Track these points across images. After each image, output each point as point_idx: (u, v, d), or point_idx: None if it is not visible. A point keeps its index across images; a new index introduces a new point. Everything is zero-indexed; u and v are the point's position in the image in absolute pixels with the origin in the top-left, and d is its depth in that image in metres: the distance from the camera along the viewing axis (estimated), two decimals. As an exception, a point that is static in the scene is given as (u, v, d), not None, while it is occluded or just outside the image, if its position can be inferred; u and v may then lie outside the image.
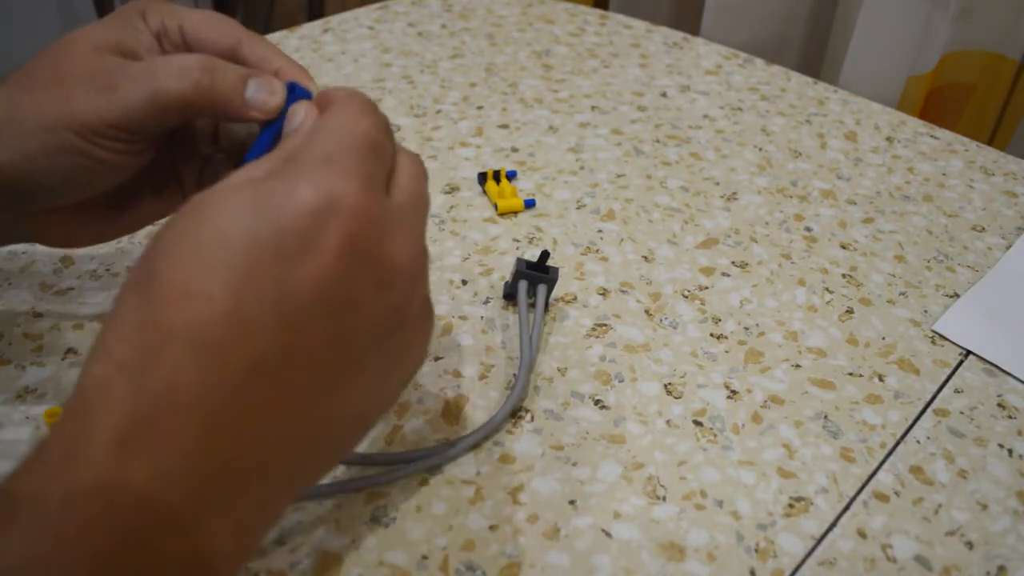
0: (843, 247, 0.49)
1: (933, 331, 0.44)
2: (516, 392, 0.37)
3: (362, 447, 0.35)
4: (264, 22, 1.70)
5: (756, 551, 0.32)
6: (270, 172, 0.24)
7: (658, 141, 0.59)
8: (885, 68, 0.77)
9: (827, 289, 0.46)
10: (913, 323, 0.44)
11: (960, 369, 0.41)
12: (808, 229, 0.51)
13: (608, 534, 0.33)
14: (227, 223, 0.22)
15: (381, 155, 0.26)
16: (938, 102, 0.82)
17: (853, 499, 0.35)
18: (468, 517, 0.33)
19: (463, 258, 0.46)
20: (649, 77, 0.67)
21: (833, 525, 0.34)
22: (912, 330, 0.44)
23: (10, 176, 0.29)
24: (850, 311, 0.45)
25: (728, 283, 0.46)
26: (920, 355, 0.42)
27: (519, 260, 0.41)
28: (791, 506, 0.34)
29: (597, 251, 0.48)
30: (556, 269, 0.42)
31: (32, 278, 0.43)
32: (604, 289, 0.45)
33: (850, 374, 0.41)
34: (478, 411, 0.37)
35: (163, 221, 0.36)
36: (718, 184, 0.54)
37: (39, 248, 0.45)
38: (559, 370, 0.40)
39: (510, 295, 0.43)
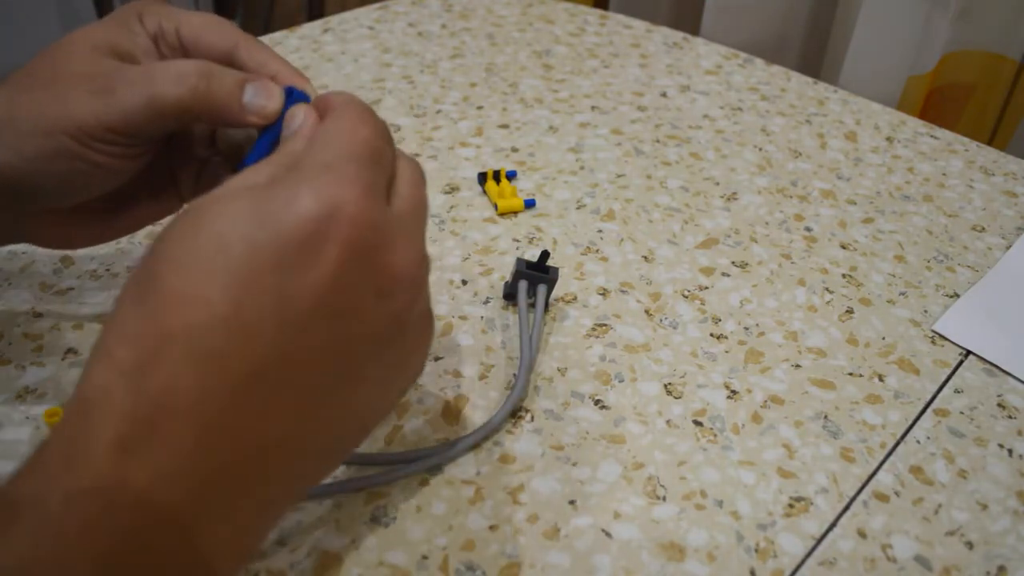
0: (843, 247, 0.49)
1: (933, 331, 0.44)
2: (516, 392, 0.37)
3: (362, 447, 0.35)
4: (264, 22, 1.70)
5: (756, 551, 0.32)
6: (271, 178, 0.24)
7: (658, 141, 0.59)
8: (885, 68, 0.77)
9: (827, 289, 0.46)
10: (913, 323, 0.44)
11: (960, 369, 0.41)
12: (808, 229, 0.51)
13: (608, 534, 0.33)
14: (227, 229, 0.22)
15: (381, 162, 0.26)
16: (938, 102, 0.82)
17: (853, 499, 0.35)
18: (468, 517, 0.33)
19: (463, 258, 0.46)
20: (649, 77, 0.67)
21: (833, 525, 0.34)
22: (912, 330, 0.44)
23: (8, 177, 0.29)
24: (850, 311, 0.45)
25: (728, 283, 0.46)
26: (920, 355, 0.42)
27: (519, 260, 0.41)
28: (791, 506, 0.34)
29: (597, 251, 0.48)
30: (556, 269, 0.42)
31: (32, 278, 0.43)
32: (604, 289, 0.45)
33: (850, 374, 0.41)
34: (478, 411, 0.37)
35: (163, 222, 0.36)
36: (718, 184, 0.54)
37: (39, 248, 0.45)
38: (559, 370, 0.40)
39: (510, 295, 0.43)
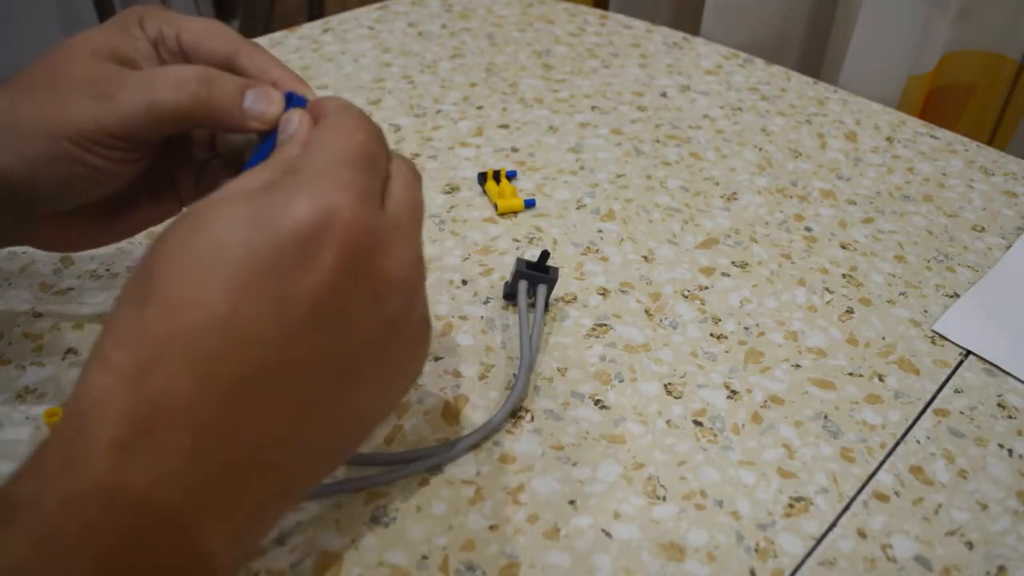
0: (843, 247, 0.49)
1: (933, 331, 0.44)
2: (516, 392, 0.37)
3: (362, 447, 0.35)
4: (264, 22, 1.70)
5: (756, 551, 0.32)
6: (267, 184, 0.24)
7: (658, 141, 0.59)
8: (885, 68, 0.77)
9: (827, 289, 0.46)
10: (913, 323, 0.44)
11: (960, 369, 0.41)
12: (808, 229, 0.51)
13: (608, 534, 0.33)
14: (225, 234, 0.23)
15: (375, 166, 0.26)
16: (938, 102, 0.82)
17: (853, 499, 0.35)
18: (468, 517, 0.33)
19: (463, 258, 0.46)
20: (649, 77, 0.67)
21: (833, 525, 0.34)
22: (912, 330, 0.44)
23: (8, 180, 0.30)
24: (850, 311, 0.45)
25: (728, 283, 0.46)
26: (920, 355, 0.42)
27: (519, 260, 0.41)
28: (791, 506, 0.34)
29: (597, 251, 0.48)
30: (556, 269, 0.42)
31: (32, 278, 0.43)
32: (604, 289, 0.45)
33: (850, 374, 0.41)
34: (478, 411, 0.37)
35: (163, 225, 0.36)
36: (718, 184, 0.54)
37: (39, 248, 0.45)
38: (559, 370, 0.40)
39: (510, 295, 0.43)
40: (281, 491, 0.25)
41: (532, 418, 0.37)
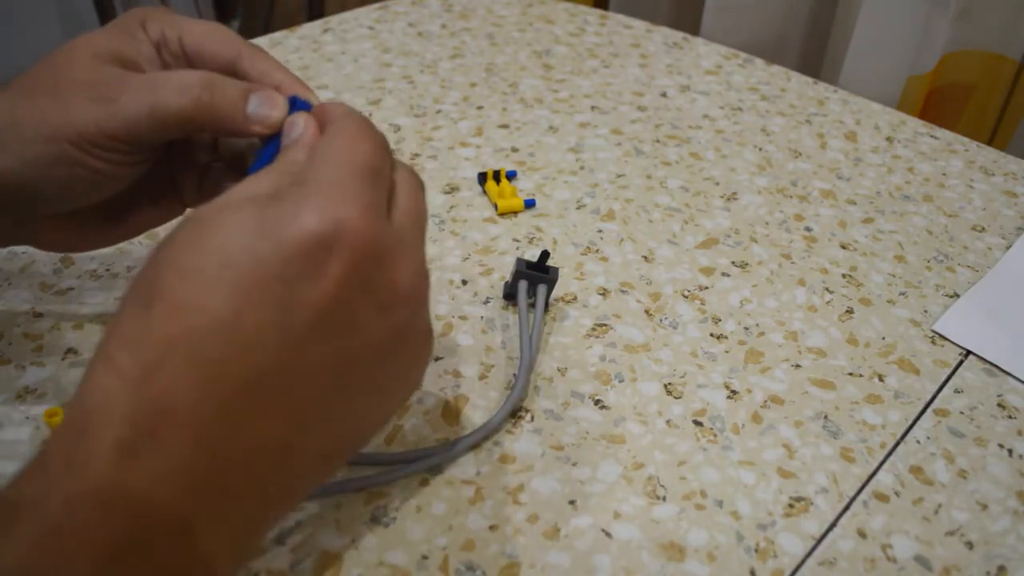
0: (843, 247, 0.49)
1: (933, 331, 0.44)
2: (516, 392, 0.37)
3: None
4: (264, 22, 1.70)
5: (756, 551, 0.32)
6: (274, 192, 0.24)
7: (658, 141, 0.59)
8: (885, 68, 0.77)
9: (827, 289, 0.46)
10: (913, 323, 0.44)
11: (960, 369, 0.41)
12: (808, 229, 0.51)
13: (608, 534, 0.33)
14: (231, 240, 0.23)
15: (381, 175, 0.26)
16: (938, 102, 0.82)
17: (853, 499, 0.35)
18: (468, 517, 0.33)
19: (463, 258, 0.46)
20: (649, 77, 0.67)
21: (833, 525, 0.34)
22: (912, 330, 0.44)
23: (10, 182, 0.30)
24: (850, 311, 0.45)
25: (728, 283, 0.46)
26: (920, 355, 0.42)
27: (519, 260, 0.41)
28: (791, 506, 0.34)
29: (597, 251, 0.48)
30: (556, 269, 0.42)
31: (32, 278, 0.43)
32: (604, 289, 0.45)
33: (850, 374, 0.41)
34: (478, 411, 0.37)
35: (167, 226, 0.36)
36: (718, 184, 0.54)
37: (39, 248, 0.45)
38: (559, 370, 0.40)
39: (510, 295, 0.43)
40: (281, 493, 0.25)
41: (532, 418, 0.37)
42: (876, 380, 0.40)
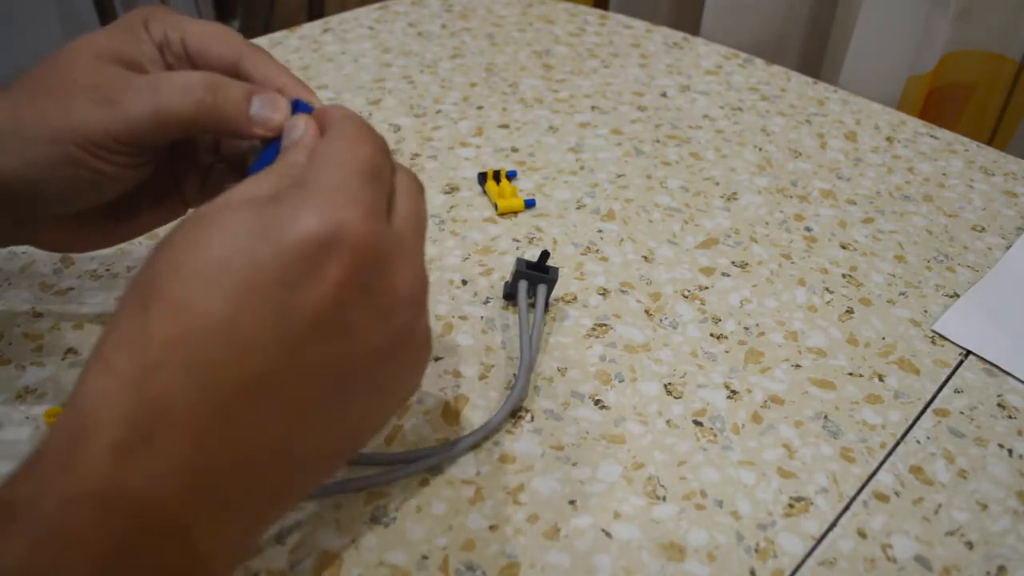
0: (843, 247, 0.49)
1: (933, 331, 0.44)
2: (516, 392, 0.37)
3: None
4: (264, 22, 1.70)
5: (756, 551, 0.32)
6: (274, 192, 0.24)
7: (658, 141, 0.59)
8: (885, 68, 0.77)
9: (827, 289, 0.46)
10: (913, 323, 0.44)
11: (960, 369, 0.41)
12: (808, 229, 0.51)
13: (608, 534, 0.33)
14: (230, 242, 0.23)
15: (381, 178, 0.26)
16: (938, 102, 0.82)
17: (853, 499, 0.35)
18: (468, 517, 0.33)
19: (463, 258, 0.46)
20: (649, 77, 0.67)
21: (833, 525, 0.34)
22: (912, 330, 0.44)
23: (11, 183, 0.30)
24: (850, 311, 0.45)
25: (728, 283, 0.46)
26: (920, 355, 0.42)
27: (519, 260, 0.41)
28: (791, 506, 0.34)
29: (597, 251, 0.48)
30: (556, 269, 0.42)
31: (32, 278, 0.43)
32: (604, 289, 0.45)
33: (850, 374, 0.41)
34: (478, 411, 0.37)
35: (167, 227, 0.36)
36: (718, 184, 0.54)
37: (39, 248, 0.45)
38: (559, 370, 0.40)
39: (510, 295, 0.43)
40: (279, 494, 0.25)
41: (532, 418, 0.37)
42: (876, 380, 0.40)
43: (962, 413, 0.39)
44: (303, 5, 1.56)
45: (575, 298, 0.44)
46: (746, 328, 0.43)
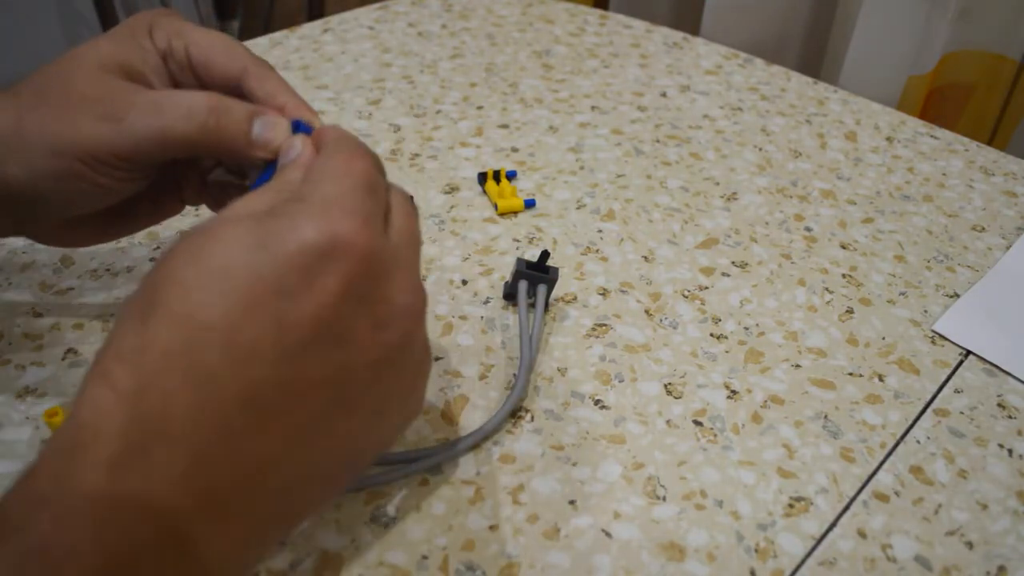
0: (843, 247, 0.49)
1: (933, 331, 0.44)
2: (516, 392, 0.37)
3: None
4: (264, 22, 1.70)
5: (756, 551, 0.32)
6: (272, 208, 0.25)
7: (658, 141, 0.59)
8: (885, 68, 0.77)
9: (827, 289, 0.46)
10: (913, 323, 0.44)
11: (960, 369, 0.41)
12: (808, 229, 0.51)
13: (608, 534, 0.33)
14: (229, 253, 0.23)
15: (378, 193, 0.26)
16: (938, 102, 0.82)
17: (853, 499, 0.35)
18: (468, 517, 0.33)
19: (463, 258, 0.46)
20: (649, 77, 0.67)
21: (833, 525, 0.34)
22: (912, 330, 0.44)
23: (14, 189, 0.30)
24: (850, 311, 0.45)
25: (728, 283, 0.46)
26: (920, 355, 0.42)
27: (519, 260, 0.41)
28: (791, 506, 0.34)
29: (597, 251, 0.48)
30: (556, 269, 0.42)
31: (32, 278, 0.43)
32: (604, 289, 0.45)
33: (850, 374, 0.41)
34: (478, 411, 0.37)
35: (167, 225, 0.36)
36: (718, 184, 0.54)
37: (39, 248, 0.45)
38: (559, 370, 0.40)
39: (510, 295, 0.43)
40: (279, 512, 0.24)
41: (532, 418, 0.37)
42: (876, 380, 0.40)
43: (962, 413, 0.39)
44: (303, 5, 1.56)
45: (575, 298, 0.44)
46: (746, 328, 0.43)
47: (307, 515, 0.26)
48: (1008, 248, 0.50)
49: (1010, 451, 0.37)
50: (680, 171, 0.55)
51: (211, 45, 0.32)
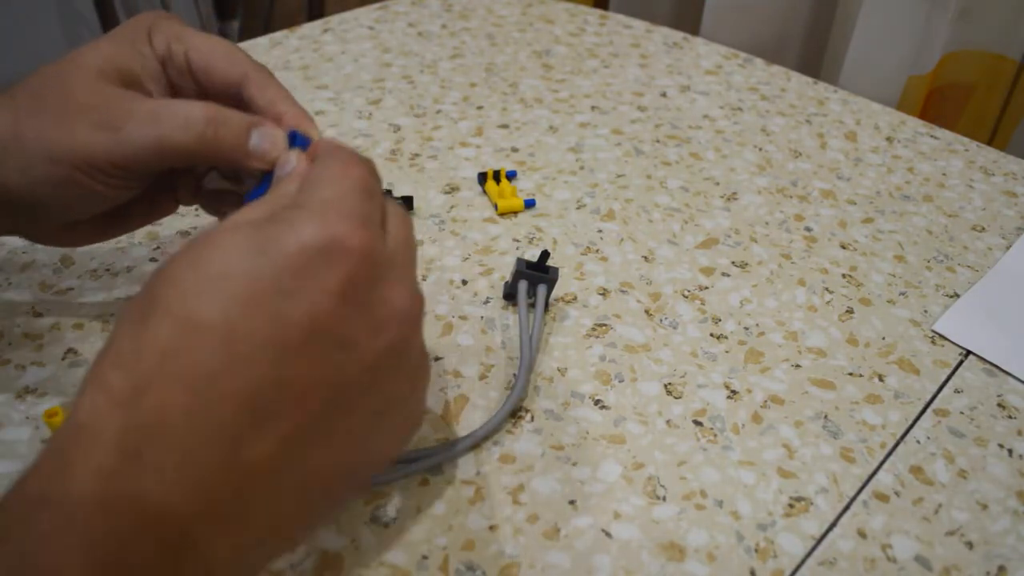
0: (843, 247, 0.49)
1: (933, 331, 0.44)
2: (516, 392, 0.37)
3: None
4: (264, 22, 1.70)
5: (756, 551, 0.32)
6: (270, 215, 0.25)
7: (658, 141, 0.59)
8: (885, 68, 0.77)
9: (827, 289, 0.46)
10: (913, 323, 0.44)
11: (960, 369, 0.41)
12: (808, 229, 0.51)
13: (608, 534, 0.33)
14: (229, 259, 0.23)
15: (375, 198, 0.26)
16: (938, 102, 0.82)
17: (853, 499, 0.35)
18: (468, 517, 0.33)
19: (463, 258, 0.46)
20: (649, 77, 0.67)
21: (833, 525, 0.34)
22: (912, 330, 0.44)
23: (13, 193, 0.30)
24: (850, 311, 0.45)
25: (728, 283, 0.46)
26: (920, 355, 0.42)
27: (519, 260, 0.41)
28: (791, 506, 0.34)
29: (597, 251, 0.48)
30: (556, 269, 0.42)
31: (32, 278, 0.43)
32: (604, 289, 0.45)
33: (850, 374, 0.41)
34: (478, 411, 0.37)
35: (166, 223, 0.36)
36: (718, 184, 0.54)
37: (39, 248, 0.45)
38: (559, 370, 0.40)
39: (510, 295, 0.43)
40: (279, 523, 0.24)
41: (532, 418, 0.37)
42: (876, 380, 0.40)
43: (962, 413, 0.39)
44: (303, 5, 1.56)
45: (575, 298, 0.44)
46: (746, 328, 0.43)
47: (309, 524, 0.26)
48: (1008, 248, 0.50)
49: (1010, 451, 0.37)
50: (680, 171, 0.55)
51: (211, 50, 0.32)
